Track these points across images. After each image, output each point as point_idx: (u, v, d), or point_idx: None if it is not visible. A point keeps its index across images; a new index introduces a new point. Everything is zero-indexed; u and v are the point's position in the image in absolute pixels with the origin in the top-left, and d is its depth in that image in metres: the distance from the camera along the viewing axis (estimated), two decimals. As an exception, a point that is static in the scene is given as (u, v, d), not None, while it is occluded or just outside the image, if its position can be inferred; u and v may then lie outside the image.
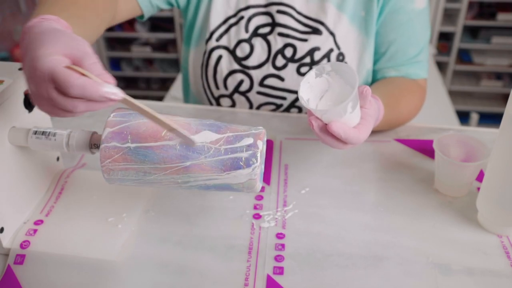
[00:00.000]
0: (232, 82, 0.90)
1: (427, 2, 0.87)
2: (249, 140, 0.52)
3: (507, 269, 0.59)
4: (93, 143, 0.57)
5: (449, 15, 2.79)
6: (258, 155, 0.52)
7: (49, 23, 0.52)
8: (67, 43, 0.47)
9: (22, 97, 0.61)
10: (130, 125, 0.52)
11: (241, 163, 0.52)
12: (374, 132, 0.84)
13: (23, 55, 0.48)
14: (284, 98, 0.91)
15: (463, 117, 2.66)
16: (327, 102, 0.62)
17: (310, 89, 0.61)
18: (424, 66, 0.89)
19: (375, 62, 0.90)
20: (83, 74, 0.45)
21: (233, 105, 0.93)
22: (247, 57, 0.88)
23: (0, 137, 0.58)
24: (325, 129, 0.59)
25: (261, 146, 0.53)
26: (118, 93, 0.46)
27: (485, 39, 2.75)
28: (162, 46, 2.92)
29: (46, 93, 0.45)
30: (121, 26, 2.81)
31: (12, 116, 0.59)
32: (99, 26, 0.67)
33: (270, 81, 0.89)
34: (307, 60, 0.87)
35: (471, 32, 2.82)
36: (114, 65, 2.99)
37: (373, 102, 0.65)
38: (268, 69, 0.89)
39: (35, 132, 0.58)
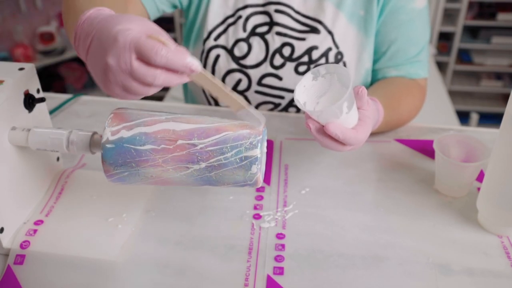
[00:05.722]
0: (230, 81, 0.90)
1: (427, 1, 0.87)
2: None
3: (507, 269, 0.59)
4: (93, 152, 0.58)
5: (449, 15, 2.79)
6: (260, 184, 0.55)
7: (109, 11, 0.54)
8: (141, 22, 0.48)
9: (22, 97, 0.61)
10: (127, 182, 0.54)
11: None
12: (374, 133, 0.84)
13: (92, 36, 0.49)
14: (282, 97, 0.91)
15: (463, 117, 2.66)
16: (324, 105, 0.62)
17: (306, 92, 0.61)
18: (424, 65, 0.89)
19: (376, 61, 0.90)
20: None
21: None
22: (245, 56, 0.88)
23: (0, 137, 0.58)
24: (323, 131, 0.59)
25: (260, 180, 0.54)
26: (198, 65, 0.47)
27: (485, 39, 2.75)
28: (162, 46, 2.91)
29: (127, 64, 0.46)
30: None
31: (12, 116, 0.59)
32: None
33: (268, 80, 0.89)
34: (305, 59, 0.87)
35: (471, 32, 2.82)
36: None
37: (371, 104, 0.65)
38: (266, 68, 0.89)
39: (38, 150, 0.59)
